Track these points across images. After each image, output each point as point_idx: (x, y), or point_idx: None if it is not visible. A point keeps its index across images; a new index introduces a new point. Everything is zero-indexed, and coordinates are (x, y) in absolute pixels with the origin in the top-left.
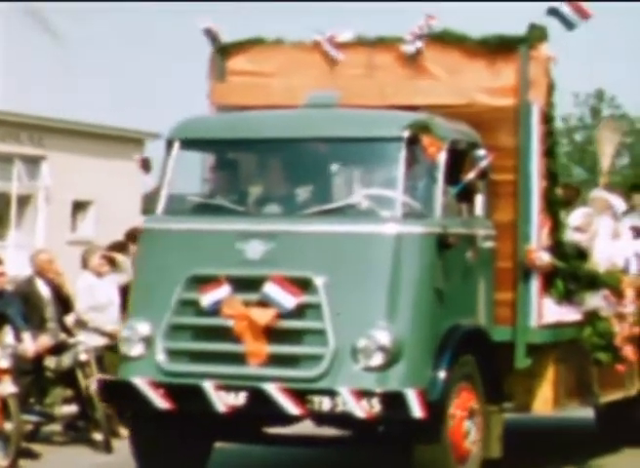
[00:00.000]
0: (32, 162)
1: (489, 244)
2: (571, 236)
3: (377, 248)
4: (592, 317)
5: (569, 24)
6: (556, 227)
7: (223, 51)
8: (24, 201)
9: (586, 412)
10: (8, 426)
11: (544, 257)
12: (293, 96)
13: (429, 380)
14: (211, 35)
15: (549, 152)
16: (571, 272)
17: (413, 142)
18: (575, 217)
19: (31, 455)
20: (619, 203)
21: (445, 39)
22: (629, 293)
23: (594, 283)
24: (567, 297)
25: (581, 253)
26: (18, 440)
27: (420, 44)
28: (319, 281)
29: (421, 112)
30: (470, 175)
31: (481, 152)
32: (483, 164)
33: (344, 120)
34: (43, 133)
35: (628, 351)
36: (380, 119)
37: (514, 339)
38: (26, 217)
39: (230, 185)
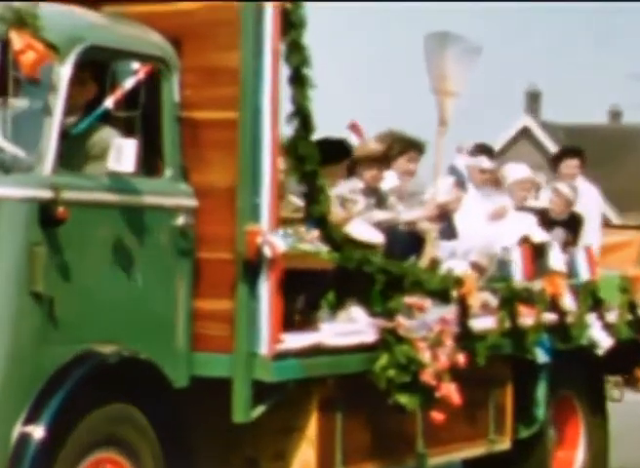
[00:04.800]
0: None
1: (181, 221)
2: (403, 215)
3: None
4: (389, 338)
5: None
6: (314, 199)
7: None
8: None
9: None
10: None
11: (277, 244)
12: None
13: (15, 446)
14: None
15: (297, 78)
16: (353, 268)
17: (6, 47)
18: (444, 189)
19: None
20: (462, 164)
21: None
22: (474, 302)
23: (398, 284)
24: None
25: (417, 239)
26: None
27: None
28: None
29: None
30: (107, 103)
31: (132, 65)
32: (128, 84)
33: None
34: None
35: (448, 391)
36: None
37: (232, 376)
38: None
39: None
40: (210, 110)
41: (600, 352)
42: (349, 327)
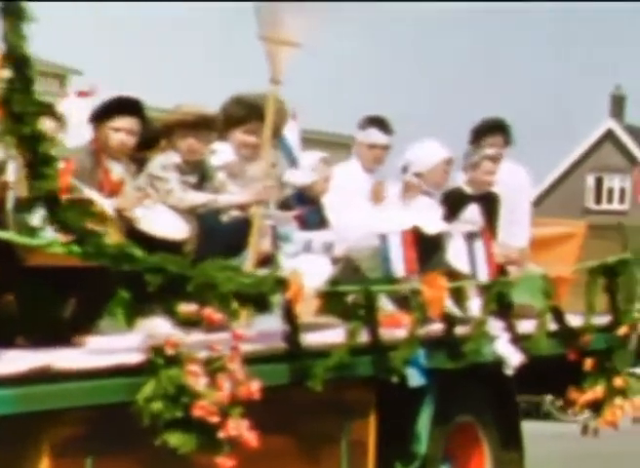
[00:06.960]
0: None
1: None
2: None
3: None
4: (157, 360)
5: None
6: (38, 172)
7: None
8: None
9: None
10: None
11: None
12: None
13: None
14: None
15: (8, 9)
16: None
17: None
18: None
19: None
20: (293, 135)
21: None
22: (303, 311)
23: (178, 288)
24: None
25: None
26: None
27: None
28: None
29: None
30: None
31: None
32: None
33: None
34: None
35: (238, 430)
36: None
37: None
38: None
39: None
40: None
41: (508, 371)
42: (110, 344)
